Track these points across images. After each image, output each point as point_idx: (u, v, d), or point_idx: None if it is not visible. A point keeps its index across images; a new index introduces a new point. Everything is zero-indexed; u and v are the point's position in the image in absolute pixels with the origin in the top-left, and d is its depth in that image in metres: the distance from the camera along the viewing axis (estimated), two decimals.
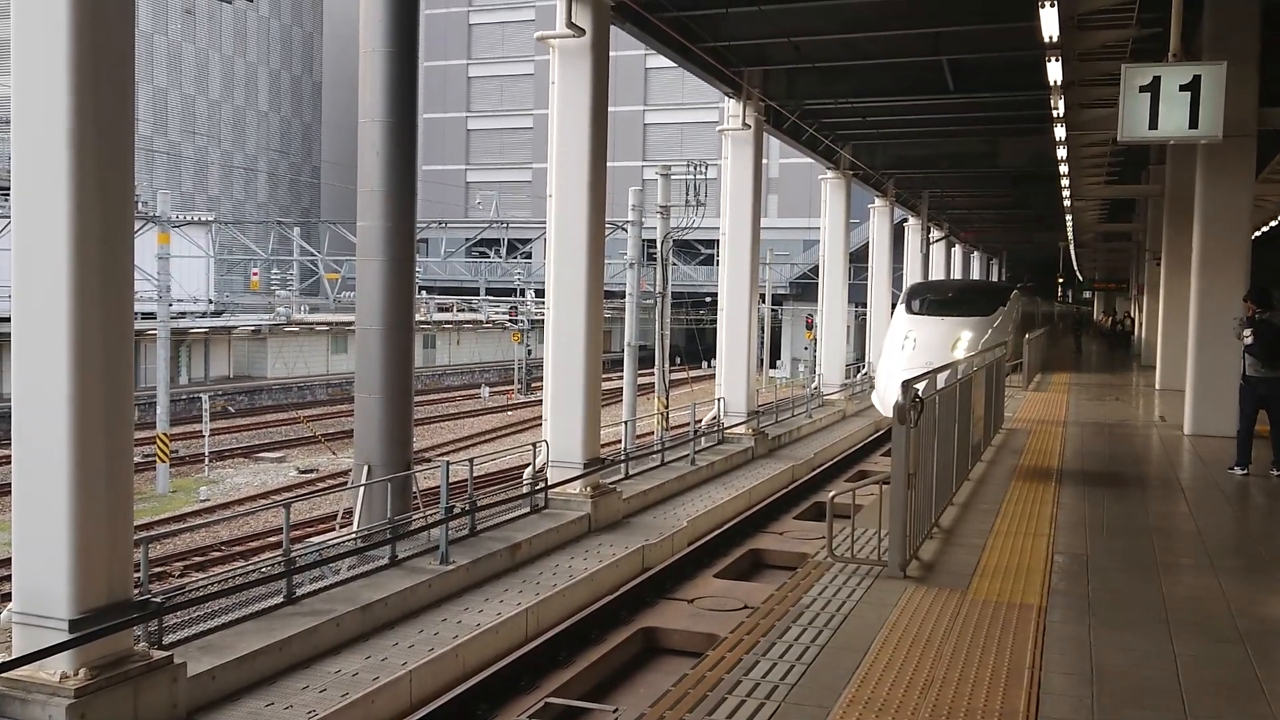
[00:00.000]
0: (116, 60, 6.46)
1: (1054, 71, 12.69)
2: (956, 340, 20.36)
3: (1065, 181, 22.54)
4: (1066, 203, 26.64)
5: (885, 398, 19.46)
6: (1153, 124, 8.85)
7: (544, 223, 13.41)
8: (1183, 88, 8.74)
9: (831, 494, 8.07)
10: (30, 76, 6.30)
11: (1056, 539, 8.25)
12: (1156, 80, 8.80)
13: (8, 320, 6.52)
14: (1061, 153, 18.63)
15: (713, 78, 18.13)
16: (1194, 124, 8.75)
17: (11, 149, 6.42)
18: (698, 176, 25.03)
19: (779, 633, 6.02)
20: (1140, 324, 36.56)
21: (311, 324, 48.78)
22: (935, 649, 5.72)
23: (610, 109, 13.38)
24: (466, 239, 54.38)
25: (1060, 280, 56.18)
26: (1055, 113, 15.11)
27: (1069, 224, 32.89)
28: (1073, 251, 46.16)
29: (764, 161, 20.89)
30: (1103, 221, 38.44)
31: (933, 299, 23.00)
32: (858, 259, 34.27)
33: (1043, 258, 55.60)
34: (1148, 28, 13.68)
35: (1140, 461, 12.83)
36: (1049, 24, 10.91)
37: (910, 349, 20.52)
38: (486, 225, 48.34)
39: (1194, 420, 14.34)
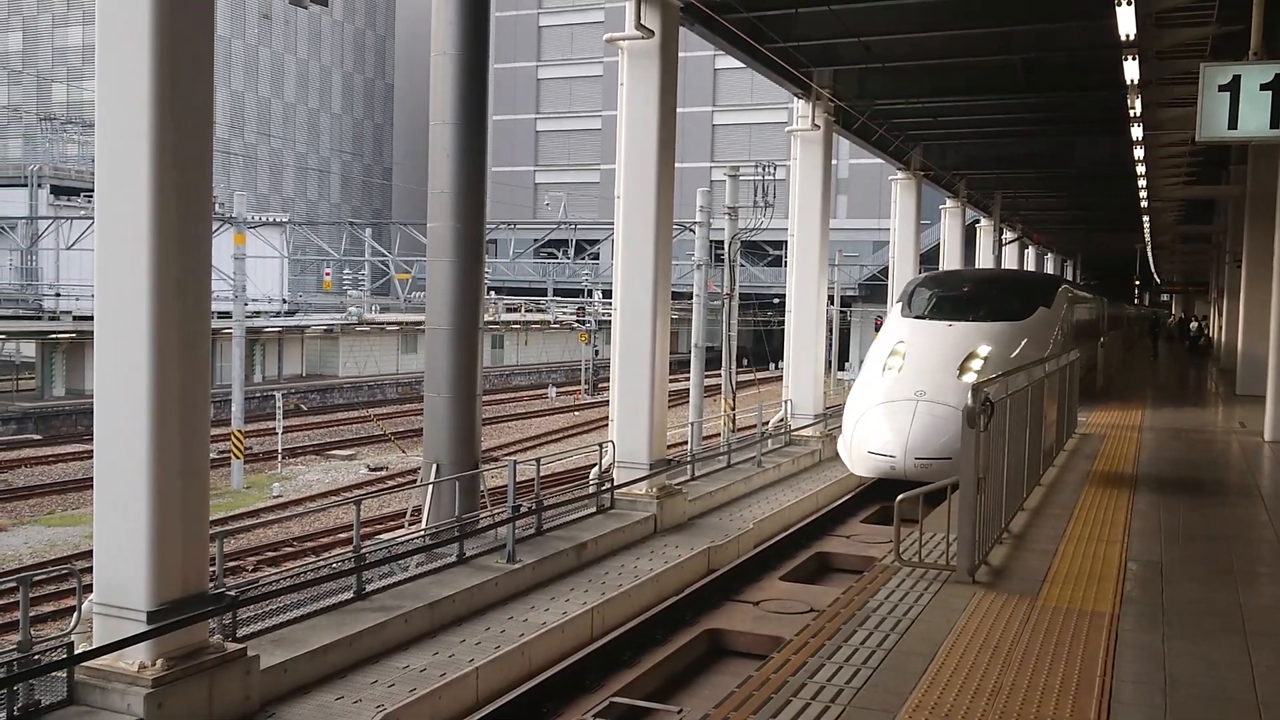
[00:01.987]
0: (196, 66, 6.63)
1: (1131, 70, 12.48)
2: (968, 358, 14.22)
3: (1142, 182, 22.09)
4: (1144, 204, 26.10)
5: (853, 448, 14.08)
6: (1232, 124, 8.65)
7: (612, 224, 13.48)
8: (1263, 87, 8.53)
9: (900, 497, 8.01)
10: (114, 83, 6.50)
11: (1130, 546, 8.11)
12: (1236, 79, 8.60)
13: (91, 319, 6.70)
14: (1138, 153, 18.27)
15: (782, 78, 18.04)
16: (1275, 124, 8.54)
17: (95, 153, 6.62)
18: (766, 177, 24.88)
19: (845, 636, 5.99)
20: (1220, 327, 35.75)
21: (382, 324, 49.40)
22: (1004, 655, 5.66)
23: (679, 110, 13.40)
24: (535, 240, 54.72)
25: (1137, 282, 55.09)
26: (1132, 112, 14.84)
27: (1146, 225, 32.23)
28: (1150, 253, 45.24)
29: (833, 162, 20.73)
30: (1181, 223, 37.59)
31: (940, 296, 16.49)
32: (929, 261, 33.86)
33: (1119, 260, 54.57)
34: (1227, 25, 13.37)
35: (1218, 468, 12.56)
36: (1126, 22, 10.72)
37: (895, 371, 14.34)
38: (555, 226, 48.68)
39: (1275, 426, 14.02)
